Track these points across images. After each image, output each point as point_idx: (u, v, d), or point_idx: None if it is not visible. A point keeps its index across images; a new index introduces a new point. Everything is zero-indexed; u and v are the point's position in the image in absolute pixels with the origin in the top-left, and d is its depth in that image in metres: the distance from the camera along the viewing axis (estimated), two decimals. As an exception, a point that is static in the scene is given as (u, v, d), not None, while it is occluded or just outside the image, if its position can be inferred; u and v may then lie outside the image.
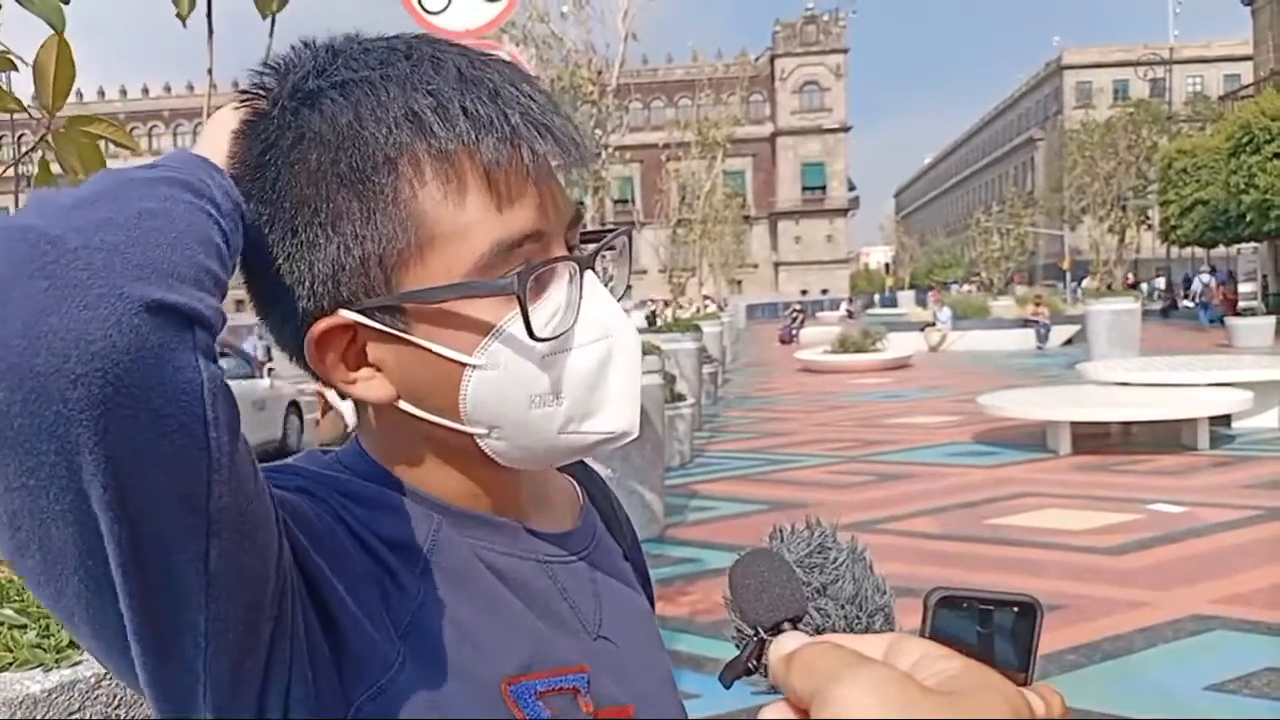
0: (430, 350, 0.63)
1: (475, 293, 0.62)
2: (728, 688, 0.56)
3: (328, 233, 0.61)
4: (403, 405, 0.65)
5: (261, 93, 0.64)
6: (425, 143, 0.61)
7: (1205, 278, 35.29)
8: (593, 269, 0.67)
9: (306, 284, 0.62)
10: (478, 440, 0.66)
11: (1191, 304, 35.01)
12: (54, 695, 1.35)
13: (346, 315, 0.63)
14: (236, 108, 0.65)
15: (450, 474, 0.69)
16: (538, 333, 0.62)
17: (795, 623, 0.54)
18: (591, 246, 0.69)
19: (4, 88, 1.42)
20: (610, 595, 0.75)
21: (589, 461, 0.85)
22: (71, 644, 1.42)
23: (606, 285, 0.69)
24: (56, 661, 1.38)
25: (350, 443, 0.72)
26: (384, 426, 0.69)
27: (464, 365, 0.63)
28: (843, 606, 0.54)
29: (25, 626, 1.45)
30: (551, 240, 0.65)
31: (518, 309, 0.62)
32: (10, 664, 1.37)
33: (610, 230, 0.70)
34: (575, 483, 0.84)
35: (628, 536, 0.87)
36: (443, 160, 0.61)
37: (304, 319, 0.63)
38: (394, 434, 0.68)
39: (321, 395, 6.74)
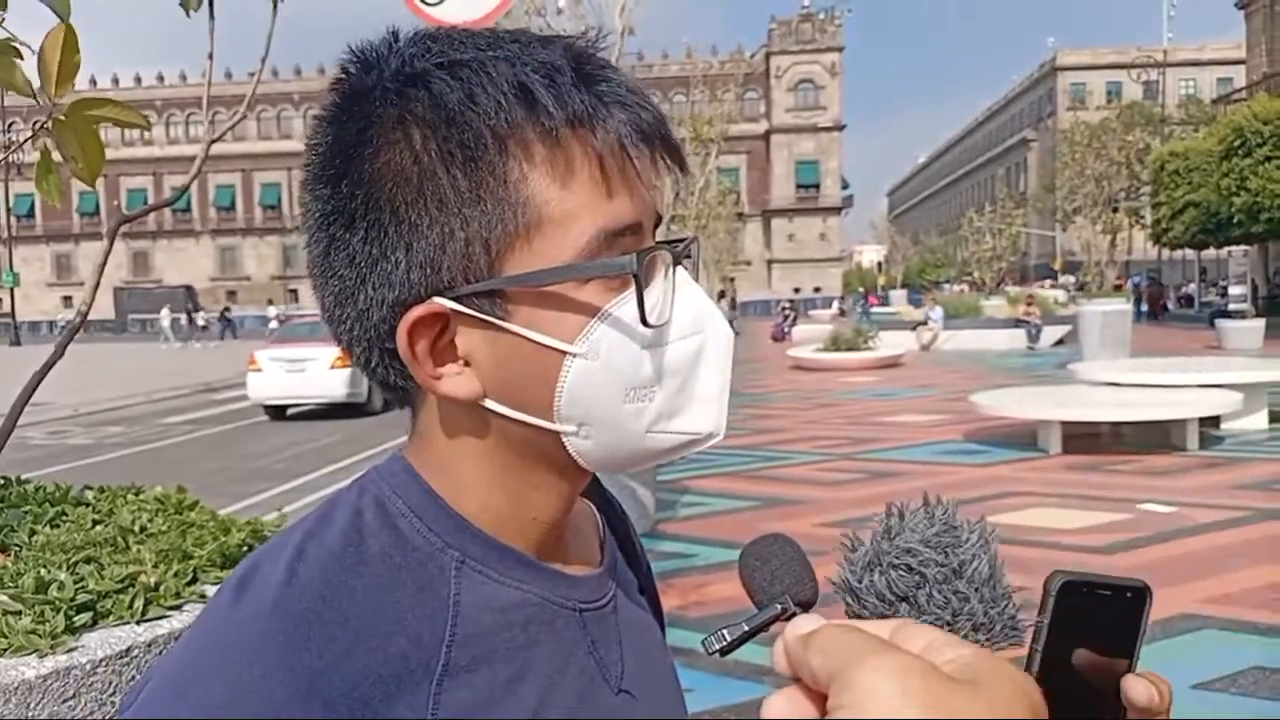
0: (530, 339, 0.60)
1: (589, 274, 0.59)
2: (714, 654, 0.55)
3: (431, 214, 0.59)
4: (488, 403, 0.62)
5: (348, 77, 0.62)
6: (537, 121, 0.59)
7: (1136, 279, 38.24)
8: (682, 265, 0.65)
9: (402, 269, 0.59)
10: (564, 439, 0.63)
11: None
12: (49, 681, 1.34)
13: (441, 303, 0.60)
14: (330, 89, 0.63)
15: (513, 492, 0.65)
16: (649, 318, 0.60)
17: (807, 607, 0.55)
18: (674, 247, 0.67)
19: (20, 69, 1.41)
20: (631, 639, 0.72)
21: (606, 486, 0.83)
22: (67, 629, 1.42)
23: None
24: (52, 648, 1.38)
25: (392, 459, 0.67)
26: (452, 432, 0.65)
27: (564, 354, 0.60)
28: (978, 589, 0.51)
29: (20, 613, 1.44)
30: (646, 236, 0.63)
31: (622, 295, 0.60)
32: (5, 650, 1.37)
33: (683, 239, 0.68)
34: (595, 509, 0.80)
35: (643, 564, 0.84)
36: (554, 142, 0.59)
37: (391, 310, 0.60)
38: (460, 442, 0.64)
39: None
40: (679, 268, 0.64)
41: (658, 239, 0.66)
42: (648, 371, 0.62)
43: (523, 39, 0.62)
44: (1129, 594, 0.47)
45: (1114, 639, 0.47)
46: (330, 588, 0.57)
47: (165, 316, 42.96)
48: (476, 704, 0.59)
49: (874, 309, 43.37)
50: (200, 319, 39.71)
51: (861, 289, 56.54)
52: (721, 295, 46.47)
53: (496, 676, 0.60)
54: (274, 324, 36.69)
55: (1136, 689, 0.47)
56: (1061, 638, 0.45)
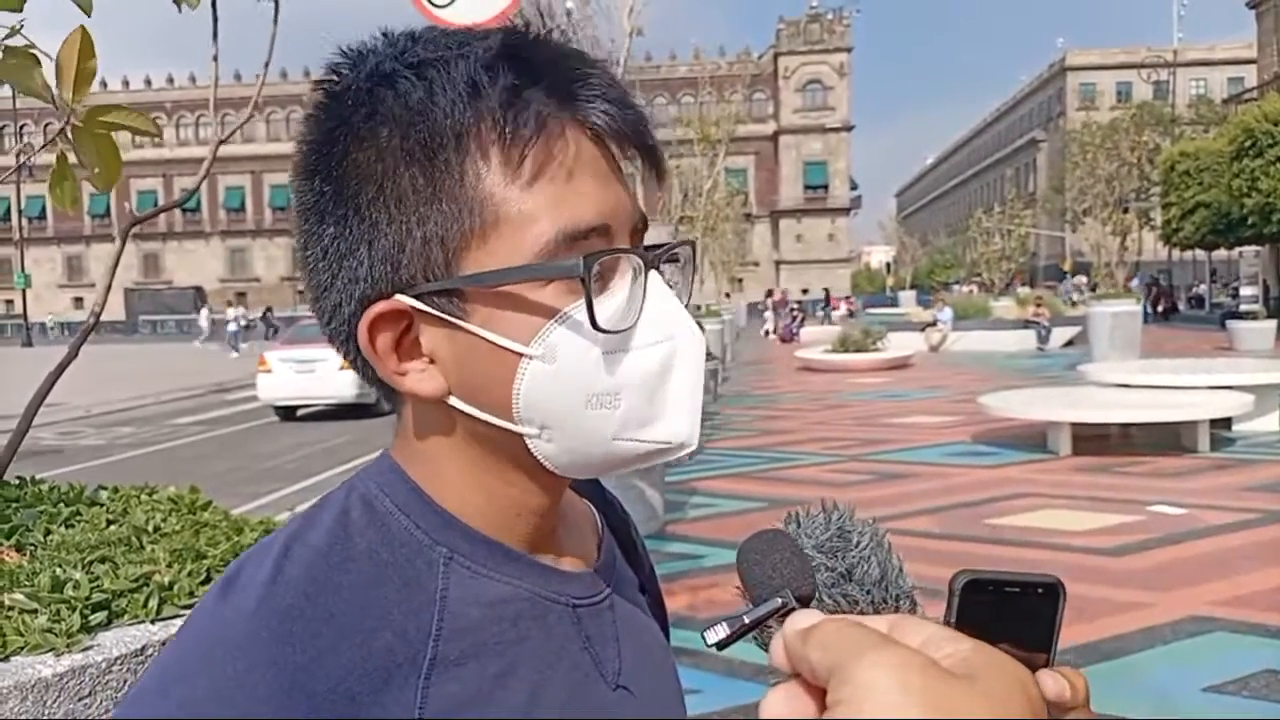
0: (486, 339, 0.60)
1: (538, 276, 0.59)
2: (712, 647, 0.55)
3: (390, 211, 0.59)
4: (453, 401, 0.62)
5: (335, 78, 0.63)
6: (493, 120, 0.59)
7: (1137, 280, 39.11)
8: (657, 270, 0.64)
9: (365, 265, 0.60)
10: (527, 442, 0.62)
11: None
12: (65, 679, 1.36)
13: (402, 300, 0.60)
14: (314, 89, 0.64)
15: (491, 490, 0.65)
16: (600, 323, 0.59)
17: (805, 603, 0.55)
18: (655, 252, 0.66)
19: (40, 74, 1.42)
20: (629, 636, 0.72)
21: (606, 485, 0.83)
22: (83, 628, 1.43)
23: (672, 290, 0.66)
24: (68, 646, 1.39)
25: (380, 457, 0.68)
26: (426, 429, 0.65)
27: (520, 356, 0.60)
28: (869, 591, 0.52)
29: (36, 611, 1.45)
30: (616, 239, 0.62)
31: (581, 298, 0.59)
32: (21, 648, 1.38)
33: (662, 245, 0.66)
34: (593, 508, 0.80)
35: (645, 565, 0.84)
36: (513, 142, 0.59)
37: (359, 305, 0.61)
38: (435, 439, 0.65)
39: None
40: (652, 273, 0.63)
41: (646, 243, 0.66)
42: (610, 377, 0.61)
43: (494, 35, 0.62)
44: (1040, 590, 0.47)
45: (1029, 635, 0.47)
46: (315, 585, 0.58)
47: (204, 317, 43.11)
48: (465, 698, 0.59)
49: (836, 311, 43.59)
50: (242, 319, 39.35)
51: (824, 290, 56.24)
52: (769, 293, 46.25)
53: (486, 671, 0.61)
54: (232, 326, 36.04)
55: (1045, 683, 0.46)
56: (970, 636, 0.45)
